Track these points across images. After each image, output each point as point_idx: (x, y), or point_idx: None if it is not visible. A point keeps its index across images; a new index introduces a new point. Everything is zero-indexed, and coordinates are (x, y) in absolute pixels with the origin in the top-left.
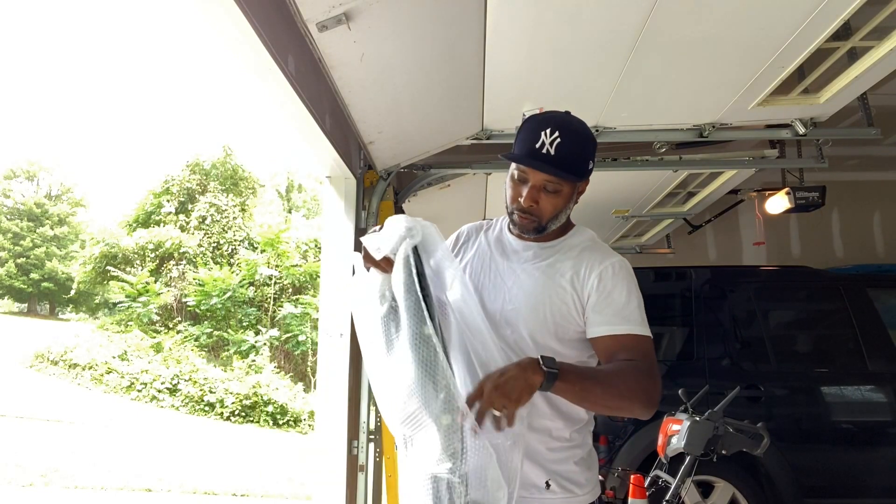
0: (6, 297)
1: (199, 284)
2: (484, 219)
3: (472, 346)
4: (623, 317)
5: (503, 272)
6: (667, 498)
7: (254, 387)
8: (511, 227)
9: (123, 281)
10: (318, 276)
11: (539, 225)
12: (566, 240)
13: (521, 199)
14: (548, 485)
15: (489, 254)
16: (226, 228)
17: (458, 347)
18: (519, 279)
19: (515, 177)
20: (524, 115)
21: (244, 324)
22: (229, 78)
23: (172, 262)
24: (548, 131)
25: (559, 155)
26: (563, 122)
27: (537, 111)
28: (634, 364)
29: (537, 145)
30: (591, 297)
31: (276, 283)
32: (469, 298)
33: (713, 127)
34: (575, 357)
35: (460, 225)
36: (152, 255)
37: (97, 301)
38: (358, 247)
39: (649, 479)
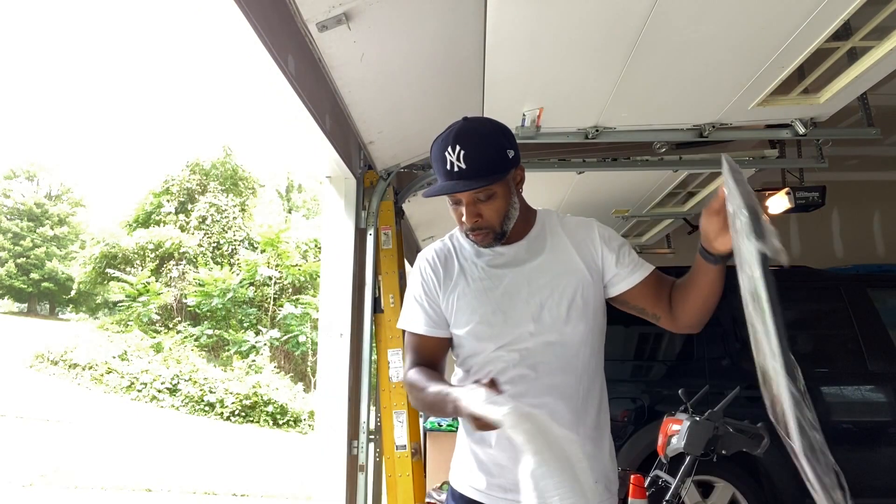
0: (6, 297)
1: (200, 284)
2: None
3: None
4: (640, 261)
5: (516, 281)
6: (667, 498)
7: (254, 387)
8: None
9: (123, 281)
10: (318, 276)
11: (496, 233)
12: (543, 225)
13: (465, 221)
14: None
15: (483, 274)
16: (226, 228)
17: None
18: (533, 278)
19: (451, 201)
20: (524, 114)
21: (244, 324)
22: (229, 78)
23: (172, 262)
24: (450, 149)
25: (471, 166)
26: (461, 132)
27: (537, 111)
28: None
29: (447, 167)
30: (605, 258)
31: (276, 283)
32: None
33: (713, 127)
34: (586, 329)
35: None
36: (152, 255)
37: (97, 301)
38: (358, 245)
39: (649, 479)
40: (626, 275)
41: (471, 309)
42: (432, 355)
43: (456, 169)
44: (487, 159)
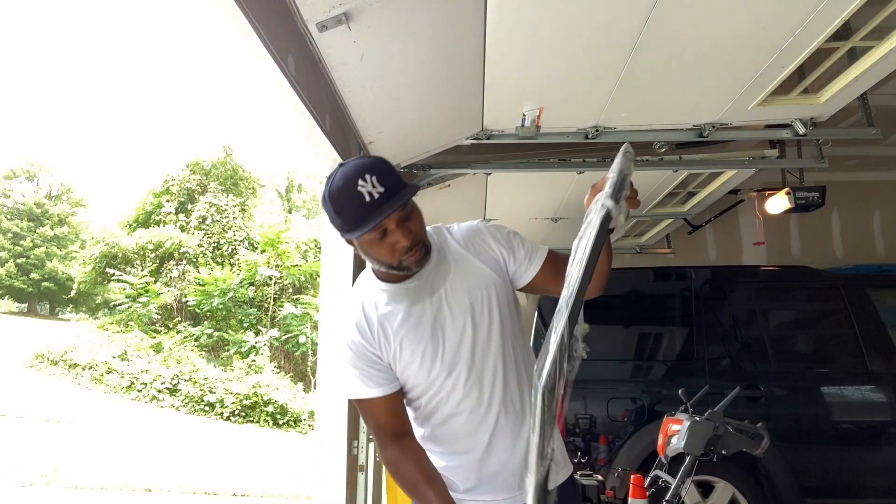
0: (6, 297)
1: (200, 284)
2: (484, 217)
3: None
4: (533, 247)
5: (438, 309)
6: (667, 498)
7: (254, 387)
8: (402, 273)
9: (123, 281)
10: (318, 276)
11: (426, 247)
12: (439, 245)
13: (400, 244)
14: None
15: (406, 314)
16: (226, 228)
17: None
18: (452, 301)
19: (376, 238)
20: (524, 114)
21: (244, 324)
22: (229, 78)
23: (172, 262)
24: (361, 181)
25: (389, 185)
26: (360, 166)
27: (537, 111)
28: None
29: (367, 199)
30: (505, 257)
31: (276, 283)
32: None
33: (713, 127)
34: (510, 323)
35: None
36: (152, 255)
37: (97, 301)
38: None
39: (649, 479)
40: (525, 267)
41: (411, 348)
42: (395, 414)
43: (377, 196)
44: (397, 175)
